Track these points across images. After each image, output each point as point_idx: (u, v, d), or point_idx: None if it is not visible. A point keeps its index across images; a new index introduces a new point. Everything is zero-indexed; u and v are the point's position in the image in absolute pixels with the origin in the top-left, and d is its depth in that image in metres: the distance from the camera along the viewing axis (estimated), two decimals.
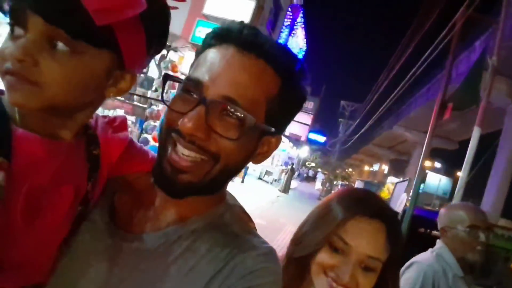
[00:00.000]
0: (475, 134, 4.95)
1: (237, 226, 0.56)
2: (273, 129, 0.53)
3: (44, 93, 0.42)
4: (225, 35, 0.51)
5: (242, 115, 0.48)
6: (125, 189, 0.59)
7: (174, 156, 0.49)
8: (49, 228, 0.48)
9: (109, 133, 0.56)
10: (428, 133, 6.26)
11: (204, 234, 0.53)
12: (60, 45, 0.42)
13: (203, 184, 0.50)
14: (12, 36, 0.42)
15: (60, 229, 0.50)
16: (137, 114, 5.51)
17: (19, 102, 0.42)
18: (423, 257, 1.44)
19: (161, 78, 0.50)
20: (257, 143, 0.53)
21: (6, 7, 0.42)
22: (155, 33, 0.49)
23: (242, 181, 12.16)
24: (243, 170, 12.49)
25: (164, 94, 0.53)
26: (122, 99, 5.58)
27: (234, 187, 9.63)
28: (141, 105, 5.47)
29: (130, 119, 5.77)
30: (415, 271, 1.36)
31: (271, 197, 11.60)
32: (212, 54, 0.51)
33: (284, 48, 0.53)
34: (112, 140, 0.56)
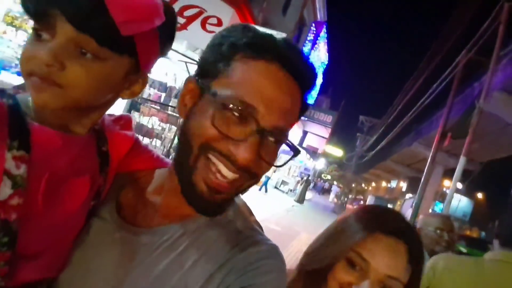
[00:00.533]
0: (461, 161, 5.73)
1: (240, 223, 0.56)
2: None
3: (67, 95, 0.45)
4: (268, 48, 0.48)
5: (284, 141, 0.50)
6: (131, 186, 0.59)
7: (214, 178, 0.47)
8: (67, 217, 0.50)
9: (116, 131, 0.58)
10: (429, 158, 6.98)
11: (208, 230, 0.53)
12: (87, 51, 0.44)
13: (233, 197, 0.52)
14: (38, 39, 0.44)
15: (77, 220, 0.52)
16: (171, 122, 6.12)
17: (44, 102, 0.45)
18: None
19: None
20: None
21: (31, 10, 0.44)
22: (166, 40, 0.53)
23: (264, 190, 12.64)
24: (263, 180, 12.93)
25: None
26: (158, 108, 6.21)
27: (253, 195, 10.05)
28: (175, 114, 6.08)
29: (164, 126, 6.39)
30: None
31: (287, 206, 11.94)
32: (258, 73, 0.47)
33: (313, 67, 0.52)
34: (118, 137, 0.58)
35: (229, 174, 0.47)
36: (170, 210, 0.55)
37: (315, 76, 0.52)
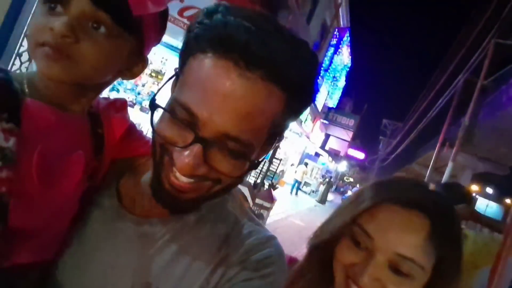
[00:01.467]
0: (449, 166, 6.86)
1: (239, 213, 0.56)
2: (273, 141, 0.49)
3: (77, 68, 0.46)
4: (226, 42, 0.39)
5: (243, 150, 0.43)
6: (130, 173, 0.58)
7: (173, 179, 0.44)
8: (63, 194, 0.49)
9: (111, 114, 0.58)
10: (430, 166, 8.24)
11: (209, 222, 0.53)
12: (101, 26, 0.46)
13: (204, 198, 0.48)
14: (50, 12, 0.45)
15: (72, 201, 0.51)
16: None
17: (53, 73, 0.46)
18: None
19: (148, 106, 0.46)
20: (256, 162, 0.48)
21: None
22: (163, 26, 0.55)
23: (296, 194, 13.37)
24: (295, 185, 13.47)
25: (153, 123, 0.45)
26: None
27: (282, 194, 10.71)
28: None
29: None
30: None
31: (309, 206, 12.46)
32: (207, 72, 0.40)
33: (297, 52, 0.41)
34: (114, 120, 0.58)
35: (182, 178, 0.44)
36: None
37: (301, 68, 0.42)
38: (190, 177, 0.44)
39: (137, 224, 0.52)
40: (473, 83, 8.14)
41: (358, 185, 37.18)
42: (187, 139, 0.42)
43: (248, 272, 0.48)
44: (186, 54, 0.44)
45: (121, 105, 0.61)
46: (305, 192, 16.75)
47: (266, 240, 0.52)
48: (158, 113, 0.45)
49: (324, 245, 0.63)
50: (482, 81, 7.67)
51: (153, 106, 0.45)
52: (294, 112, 0.47)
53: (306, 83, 0.45)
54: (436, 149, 8.83)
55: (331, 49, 16.74)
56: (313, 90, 0.47)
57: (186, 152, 0.42)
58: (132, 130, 0.62)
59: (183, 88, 0.43)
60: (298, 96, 0.45)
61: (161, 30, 0.56)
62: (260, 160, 0.48)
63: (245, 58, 0.39)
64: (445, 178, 7.44)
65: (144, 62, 0.56)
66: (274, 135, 0.48)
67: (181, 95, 0.43)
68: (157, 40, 0.56)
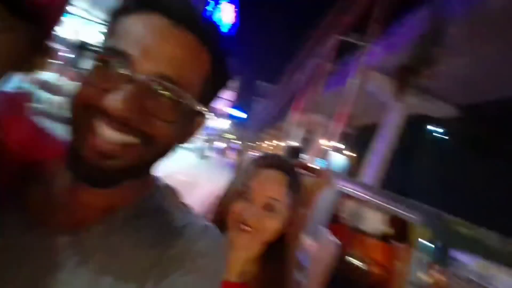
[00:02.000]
0: (295, 129, 9.15)
1: (168, 205, 0.52)
2: (206, 110, 0.49)
3: None
4: (152, 2, 0.43)
5: (179, 95, 0.42)
6: (39, 180, 0.50)
7: (98, 140, 0.41)
8: None
9: (11, 112, 0.50)
10: (289, 124, 10.65)
11: (136, 222, 0.48)
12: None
13: (134, 169, 0.44)
14: None
15: None
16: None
17: None
18: None
19: (77, 46, 0.42)
20: (189, 124, 0.48)
21: None
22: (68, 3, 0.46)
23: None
24: None
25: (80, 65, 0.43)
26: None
27: None
28: None
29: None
30: None
31: (192, 162, 13.13)
32: (138, 23, 0.43)
33: (215, 24, 0.48)
34: (15, 123, 0.49)
35: (113, 134, 0.41)
36: (88, 206, 0.47)
37: (216, 30, 0.47)
38: (122, 125, 0.40)
39: (50, 236, 0.45)
40: (322, 66, 10.69)
41: (238, 142, 40.00)
42: (119, 83, 0.40)
43: (186, 265, 0.45)
44: (112, 19, 0.46)
45: (23, 101, 0.53)
46: (186, 148, 17.19)
47: (202, 230, 0.50)
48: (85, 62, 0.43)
49: (222, 209, 0.86)
50: (327, 66, 10.57)
51: (82, 47, 0.44)
52: (219, 79, 0.50)
53: (226, 50, 0.49)
54: (291, 114, 11.56)
55: (212, 4, 16.63)
56: (232, 64, 0.51)
57: (119, 93, 0.40)
58: (37, 131, 0.53)
59: (114, 38, 0.43)
60: (221, 61, 0.48)
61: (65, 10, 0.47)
62: (192, 118, 0.48)
63: (170, 13, 0.43)
64: (294, 135, 9.48)
65: (46, 51, 0.47)
66: (203, 101, 0.48)
67: (112, 42, 0.43)
68: (61, 20, 0.47)
